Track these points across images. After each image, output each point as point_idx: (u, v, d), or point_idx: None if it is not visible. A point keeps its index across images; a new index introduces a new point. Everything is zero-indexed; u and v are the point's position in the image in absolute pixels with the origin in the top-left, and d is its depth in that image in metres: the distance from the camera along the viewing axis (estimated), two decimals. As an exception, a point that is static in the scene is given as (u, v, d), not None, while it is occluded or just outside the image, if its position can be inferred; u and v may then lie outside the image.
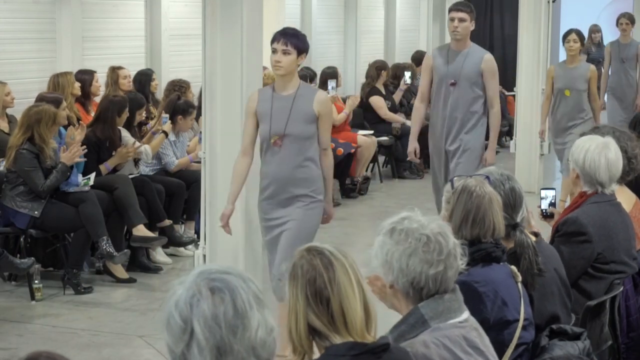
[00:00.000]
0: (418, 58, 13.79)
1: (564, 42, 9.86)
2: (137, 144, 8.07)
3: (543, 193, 5.01)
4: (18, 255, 7.26)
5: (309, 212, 5.58)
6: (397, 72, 12.86)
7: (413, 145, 7.62)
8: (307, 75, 10.94)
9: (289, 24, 12.63)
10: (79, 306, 6.96)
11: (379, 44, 15.80)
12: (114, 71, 9.44)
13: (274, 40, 5.51)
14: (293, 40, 5.49)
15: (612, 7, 16.96)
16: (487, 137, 7.59)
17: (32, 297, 7.04)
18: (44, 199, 7.18)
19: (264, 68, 7.77)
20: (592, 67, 9.85)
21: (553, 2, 11.76)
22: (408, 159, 7.90)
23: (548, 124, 10.03)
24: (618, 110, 12.10)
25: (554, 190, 5.06)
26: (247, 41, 6.05)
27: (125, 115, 8.03)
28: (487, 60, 7.36)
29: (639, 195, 4.98)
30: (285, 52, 5.48)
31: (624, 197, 4.79)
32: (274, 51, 5.48)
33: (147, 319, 6.66)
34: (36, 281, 7.03)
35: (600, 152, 4.47)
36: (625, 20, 12.35)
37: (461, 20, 7.30)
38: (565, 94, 9.65)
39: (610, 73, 12.31)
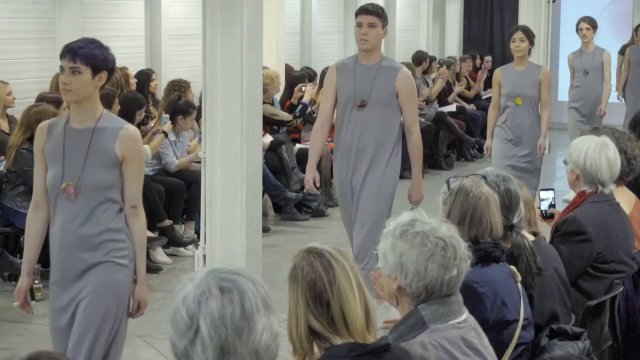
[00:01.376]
0: (418, 58, 13.84)
1: (509, 41, 8.27)
2: None
3: (542, 194, 5.02)
4: (18, 255, 7.26)
5: (112, 277, 4.10)
6: (397, 72, 12.85)
7: (311, 173, 6.34)
8: (307, 75, 10.94)
9: (289, 24, 12.72)
10: (79, 306, 6.96)
11: (379, 44, 15.80)
12: (124, 72, 9.44)
13: (61, 55, 4.10)
14: (84, 54, 4.07)
15: (612, 7, 16.97)
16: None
17: (32, 297, 7.02)
18: (44, 198, 7.19)
19: (264, 68, 7.78)
20: (545, 69, 8.36)
21: (553, 2, 11.75)
22: (306, 189, 6.43)
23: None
24: (578, 123, 10.38)
25: (553, 191, 5.07)
26: (247, 41, 6.04)
27: (116, 107, 8.05)
28: (404, 78, 6.09)
29: (639, 195, 4.99)
30: (74, 71, 4.05)
31: (624, 197, 4.80)
32: (62, 70, 4.09)
33: (147, 319, 6.64)
34: (36, 281, 7.03)
35: (601, 151, 4.49)
36: (586, 25, 10.58)
37: (371, 25, 6.05)
38: (516, 102, 8.13)
39: (574, 86, 10.73)
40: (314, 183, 6.34)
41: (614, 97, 11.61)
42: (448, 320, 2.87)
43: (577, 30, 10.71)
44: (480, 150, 14.03)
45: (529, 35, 8.17)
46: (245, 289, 2.05)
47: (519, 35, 8.14)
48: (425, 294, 2.87)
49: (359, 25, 6.09)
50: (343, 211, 6.41)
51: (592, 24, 10.53)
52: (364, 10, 6.13)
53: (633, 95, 12.23)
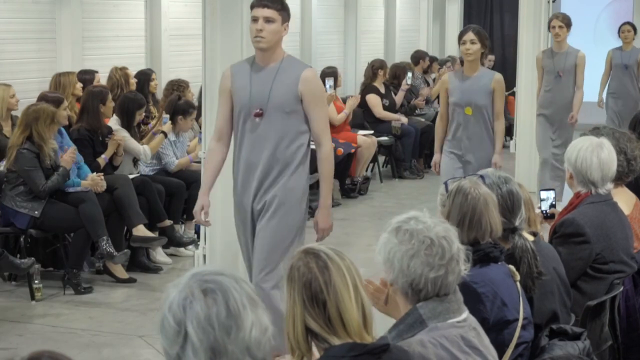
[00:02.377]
0: (416, 57, 13.86)
1: (458, 43, 7.25)
2: (124, 132, 8.09)
3: (543, 194, 5.02)
4: (18, 255, 7.26)
5: None
6: (397, 72, 12.87)
7: (201, 201, 5.27)
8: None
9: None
10: (79, 306, 6.96)
11: (379, 44, 15.81)
12: (124, 72, 9.43)
13: None
14: None
15: (612, 7, 16.98)
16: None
17: (32, 297, 7.03)
18: (43, 199, 7.19)
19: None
20: (498, 76, 7.22)
21: (553, 2, 11.75)
22: (194, 220, 5.64)
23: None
24: (548, 133, 9.69)
25: (554, 191, 5.07)
26: (247, 41, 6.05)
27: (110, 103, 8.08)
28: (308, 79, 5.12)
29: (639, 195, 4.99)
30: None
31: (624, 198, 4.80)
32: None
33: (147, 319, 6.66)
34: (36, 281, 7.03)
35: (593, 151, 4.48)
36: (559, 22, 9.49)
37: (268, 20, 5.09)
38: (466, 112, 7.15)
39: (543, 89, 9.77)
40: (203, 214, 5.29)
41: (591, 97, 11.20)
42: (447, 318, 2.88)
43: (548, 29, 9.79)
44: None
45: (481, 36, 7.13)
46: (228, 288, 2.06)
47: (469, 36, 7.10)
48: (411, 292, 2.87)
49: (254, 20, 5.12)
50: (241, 237, 5.39)
51: (566, 21, 9.51)
52: (259, 2, 5.13)
53: (614, 100, 12.10)
